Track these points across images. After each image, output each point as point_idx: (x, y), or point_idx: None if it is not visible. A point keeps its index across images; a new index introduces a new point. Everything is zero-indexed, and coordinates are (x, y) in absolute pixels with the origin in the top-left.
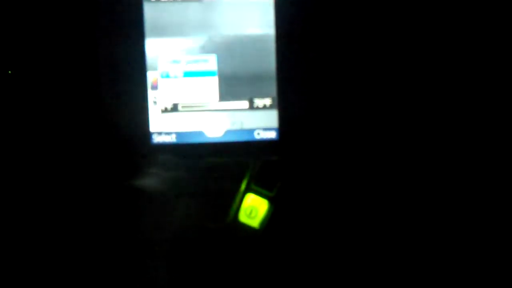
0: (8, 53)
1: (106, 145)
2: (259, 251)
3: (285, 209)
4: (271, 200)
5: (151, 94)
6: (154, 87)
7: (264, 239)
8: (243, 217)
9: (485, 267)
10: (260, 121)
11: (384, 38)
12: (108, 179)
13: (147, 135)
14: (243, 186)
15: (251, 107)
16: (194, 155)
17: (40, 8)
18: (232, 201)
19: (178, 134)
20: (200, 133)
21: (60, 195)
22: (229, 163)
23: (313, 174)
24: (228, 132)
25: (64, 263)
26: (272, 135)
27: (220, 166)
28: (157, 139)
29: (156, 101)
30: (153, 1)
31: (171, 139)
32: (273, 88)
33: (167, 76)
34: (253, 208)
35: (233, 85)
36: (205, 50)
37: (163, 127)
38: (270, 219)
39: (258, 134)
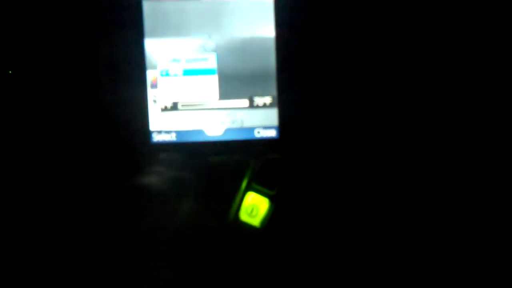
0: (8, 53)
1: (106, 144)
2: (260, 250)
3: (286, 207)
4: (272, 198)
5: (150, 93)
6: (154, 86)
7: (265, 238)
8: (244, 216)
9: (485, 267)
10: (260, 120)
11: (383, 36)
12: (108, 178)
13: (147, 133)
14: (243, 185)
15: (251, 105)
16: (194, 153)
17: (39, 7)
18: (232, 200)
19: (178, 133)
20: (200, 132)
21: (60, 194)
22: (229, 161)
23: (313, 173)
24: (228, 130)
25: (64, 262)
26: (272, 133)
27: (220, 164)
28: (157, 137)
29: (156, 99)
30: (152, 0)
31: (171, 137)
32: (273, 86)
33: (167, 74)
34: (254, 207)
35: (233, 84)
36: (205, 50)
37: (163, 125)
38: (271, 218)
39: (258, 132)
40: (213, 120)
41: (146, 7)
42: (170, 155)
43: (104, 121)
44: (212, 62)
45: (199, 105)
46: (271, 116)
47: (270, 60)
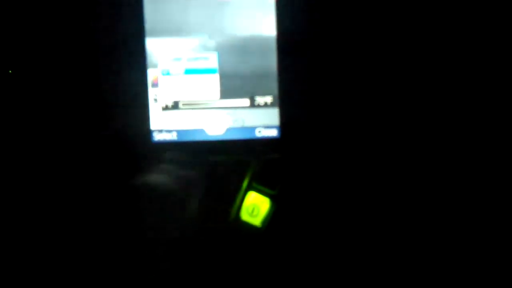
0: (9, 53)
1: (107, 143)
2: (261, 249)
3: (287, 207)
4: (273, 198)
5: (151, 92)
6: (155, 85)
7: (266, 238)
8: (245, 216)
9: (485, 267)
10: (262, 119)
11: (385, 36)
12: (108, 177)
13: (148, 133)
14: (244, 184)
15: (252, 105)
16: (195, 153)
17: (40, 6)
18: (233, 199)
19: (179, 132)
20: (201, 131)
21: (60, 193)
22: (230, 161)
23: (314, 172)
24: (229, 130)
25: (64, 262)
26: (273, 133)
27: (221, 164)
28: (157, 137)
29: (157, 98)
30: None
31: (172, 137)
32: (274, 85)
33: (168, 73)
34: (255, 207)
35: (234, 83)
36: (206, 49)
37: (164, 125)
38: (272, 218)
39: (260, 132)
40: (214, 119)
41: (147, 6)
42: (171, 154)
43: (105, 120)
44: (213, 61)
45: (200, 104)
46: (272, 116)
47: (271, 59)
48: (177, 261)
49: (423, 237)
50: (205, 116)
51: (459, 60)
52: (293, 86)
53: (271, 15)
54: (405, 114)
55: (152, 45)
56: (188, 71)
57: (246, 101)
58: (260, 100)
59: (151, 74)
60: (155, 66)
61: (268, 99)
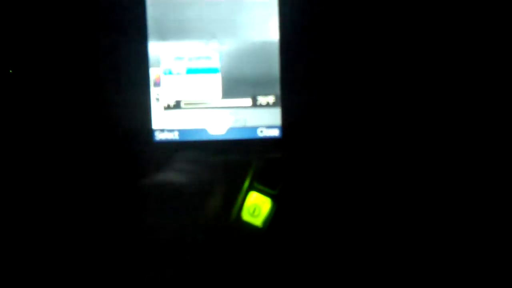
0: (11, 53)
1: (109, 142)
2: (262, 250)
3: (288, 207)
4: (274, 198)
5: (153, 91)
6: (157, 84)
7: (267, 238)
8: (246, 216)
9: (485, 267)
10: (263, 119)
11: (387, 38)
12: (110, 176)
13: (150, 132)
14: (246, 184)
15: (254, 104)
16: (196, 152)
17: (42, 6)
18: (235, 199)
19: (181, 132)
20: (203, 131)
21: (61, 193)
22: (232, 161)
23: (316, 172)
24: (231, 129)
25: (64, 262)
26: (275, 133)
27: (222, 164)
28: (159, 136)
29: (159, 98)
30: (155, 3)
31: (173, 136)
32: (276, 85)
33: (170, 73)
34: (256, 207)
35: (236, 83)
36: (208, 48)
37: (165, 124)
38: (273, 218)
39: (261, 132)
40: (216, 119)
41: (150, 8)
42: (172, 154)
43: (107, 119)
44: (215, 61)
45: (202, 103)
46: (274, 116)
47: (274, 59)
48: (178, 261)
49: (423, 237)
50: (207, 115)
51: (460, 60)
52: (295, 86)
53: (274, 17)
54: (406, 114)
55: (155, 47)
56: (190, 71)
57: (248, 101)
58: (262, 100)
59: (153, 73)
60: (157, 65)
61: (270, 99)
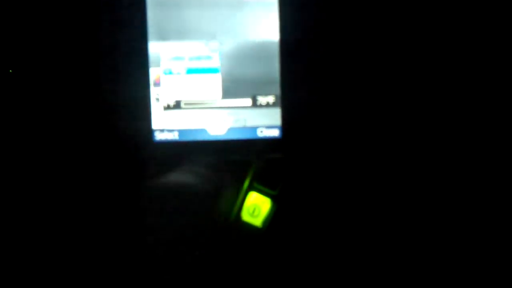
0: (11, 53)
1: (108, 142)
2: (262, 250)
3: (288, 207)
4: (274, 198)
5: (153, 91)
6: (157, 84)
7: (267, 238)
8: (246, 216)
9: (485, 267)
10: (263, 119)
11: (387, 39)
12: (110, 176)
13: (150, 132)
14: (246, 185)
15: (254, 104)
16: (196, 152)
17: (42, 5)
18: (234, 199)
19: (181, 132)
20: (202, 131)
21: (61, 193)
22: (231, 161)
23: (316, 173)
24: (231, 129)
25: (64, 262)
26: (275, 133)
27: (222, 164)
28: (159, 136)
29: (159, 98)
30: (156, 4)
31: (173, 136)
32: (276, 85)
33: (170, 73)
34: (256, 207)
35: (236, 83)
36: (208, 49)
37: (165, 124)
38: (273, 218)
39: (261, 132)
40: (216, 119)
41: (150, 8)
42: (172, 154)
43: (106, 119)
44: (215, 61)
45: (202, 103)
46: (274, 116)
47: (274, 59)
48: (178, 262)
49: (423, 238)
50: (207, 115)
51: (460, 60)
52: (295, 86)
53: (274, 17)
54: (406, 115)
55: (155, 47)
56: (190, 71)
57: (248, 101)
58: (262, 100)
59: (153, 73)
60: (157, 65)
61: (270, 99)
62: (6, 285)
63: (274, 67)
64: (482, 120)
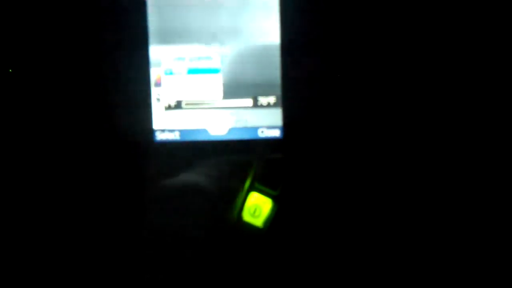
0: (13, 52)
1: (109, 142)
2: (263, 250)
3: (289, 208)
4: (275, 199)
5: (154, 91)
6: (158, 84)
7: (268, 239)
8: (247, 216)
9: (485, 267)
10: (264, 119)
11: (386, 39)
12: (110, 176)
13: (150, 132)
14: (246, 185)
15: (255, 105)
16: (197, 153)
17: (44, 7)
18: (235, 199)
19: (182, 132)
20: (203, 131)
21: (61, 193)
22: (232, 161)
23: (317, 173)
24: (232, 130)
25: (64, 262)
26: (276, 133)
27: (223, 164)
28: (160, 136)
29: (160, 98)
30: (157, 5)
31: (174, 136)
32: (277, 86)
33: (171, 73)
34: (257, 207)
35: (237, 83)
36: (209, 49)
37: (166, 124)
38: (274, 218)
39: (262, 132)
40: (217, 119)
41: (151, 10)
42: (173, 154)
43: (107, 119)
44: (216, 61)
45: (203, 104)
46: (275, 116)
47: (275, 60)
48: (179, 262)
49: (424, 238)
50: (207, 116)
51: (460, 60)
52: (296, 86)
53: (275, 18)
54: (407, 115)
55: (156, 51)
56: (191, 71)
57: (249, 101)
58: (263, 100)
59: (154, 74)
60: (158, 65)
61: (271, 99)
62: (6, 285)
63: (275, 68)
64: (482, 120)
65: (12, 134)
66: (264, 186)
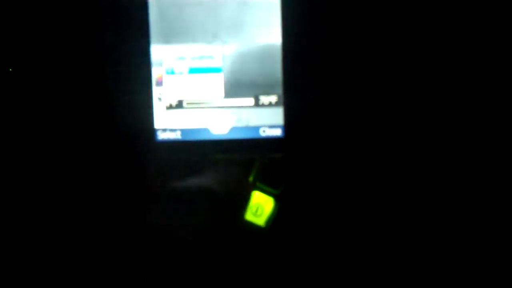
0: (14, 52)
1: (110, 142)
2: (265, 249)
3: (291, 207)
4: (276, 198)
5: (156, 91)
6: (159, 84)
7: (270, 237)
8: (249, 215)
9: (485, 267)
10: (266, 119)
11: (387, 39)
12: (112, 176)
13: (152, 132)
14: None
15: (257, 104)
16: (199, 152)
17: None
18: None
19: (183, 131)
20: (205, 130)
21: (62, 193)
22: (234, 160)
23: (318, 172)
24: (233, 129)
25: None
26: (277, 132)
27: (225, 163)
28: (161, 136)
29: (161, 97)
30: (158, 4)
31: (176, 136)
32: (279, 85)
33: (172, 72)
34: (259, 206)
35: (238, 82)
36: (210, 48)
37: (168, 123)
38: (276, 217)
39: (264, 131)
40: (218, 118)
41: (152, 9)
42: (174, 154)
43: (109, 119)
44: (218, 61)
45: (204, 103)
46: (277, 115)
47: (276, 59)
48: (181, 261)
49: (425, 236)
50: (209, 115)
51: (460, 60)
52: (298, 85)
53: (277, 18)
54: (408, 114)
55: (158, 50)
56: (193, 70)
57: (250, 101)
58: (264, 99)
59: (156, 73)
60: (159, 64)
61: (273, 98)
62: (6, 285)
63: (276, 67)
64: (482, 120)
65: (13, 134)
66: (266, 185)
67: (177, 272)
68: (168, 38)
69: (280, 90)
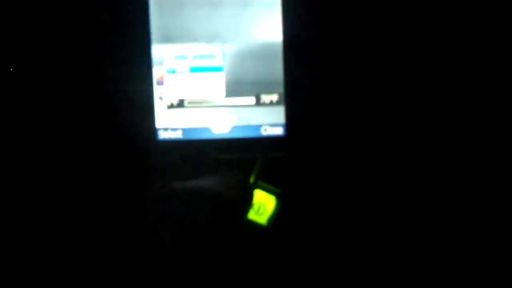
0: (14, 53)
1: (112, 141)
2: (267, 248)
3: (292, 205)
4: (278, 196)
5: (157, 90)
6: (160, 83)
7: (272, 236)
8: (251, 214)
9: (485, 267)
10: (267, 117)
11: (388, 38)
12: (113, 175)
13: (153, 131)
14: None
15: (258, 103)
16: (200, 151)
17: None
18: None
19: (184, 130)
20: (206, 129)
21: (63, 192)
22: (235, 159)
23: (320, 170)
24: (234, 128)
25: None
26: (279, 131)
27: (226, 162)
28: (163, 135)
29: (162, 96)
30: (159, 4)
31: (177, 135)
32: (280, 84)
33: (173, 71)
34: (261, 205)
35: (239, 81)
36: (211, 48)
37: (169, 123)
38: (277, 216)
39: (265, 130)
40: (219, 117)
41: (153, 9)
42: (176, 153)
43: (110, 118)
44: (219, 60)
45: (205, 102)
46: (278, 114)
47: (277, 58)
48: (183, 260)
49: (426, 233)
50: (210, 114)
51: (460, 60)
52: (299, 84)
53: (278, 16)
54: (409, 113)
55: (159, 50)
56: (194, 69)
57: (251, 99)
58: (265, 98)
59: (157, 72)
60: (160, 64)
61: (274, 97)
62: (6, 285)
63: (277, 66)
64: (482, 120)
65: (13, 134)
66: (267, 184)
67: (178, 272)
68: (169, 38)
69: (281, 88)
